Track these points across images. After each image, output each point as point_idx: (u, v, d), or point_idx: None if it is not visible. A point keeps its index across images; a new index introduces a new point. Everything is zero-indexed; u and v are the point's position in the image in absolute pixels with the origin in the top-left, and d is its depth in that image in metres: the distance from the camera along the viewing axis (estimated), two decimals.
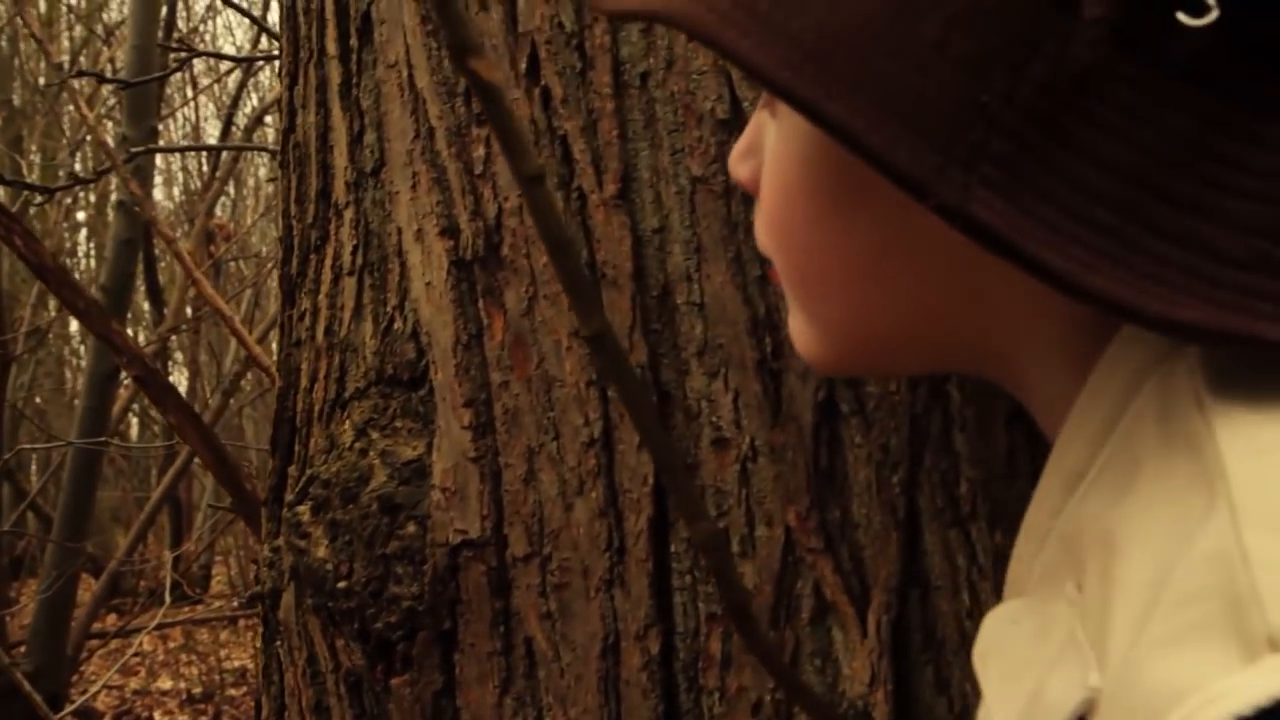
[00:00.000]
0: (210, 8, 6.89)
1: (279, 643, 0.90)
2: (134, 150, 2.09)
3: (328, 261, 0.87)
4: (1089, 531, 0.38)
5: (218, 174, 5.27)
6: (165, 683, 4.65)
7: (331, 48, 0.87)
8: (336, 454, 0.82)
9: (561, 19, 0.73)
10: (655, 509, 0.70)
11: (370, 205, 0.83)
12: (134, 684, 4.59)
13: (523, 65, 0.74)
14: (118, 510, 6.54)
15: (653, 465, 0.70)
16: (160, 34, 3.74)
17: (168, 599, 2.74)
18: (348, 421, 0.83)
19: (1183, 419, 0.35)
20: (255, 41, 5.51)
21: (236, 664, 4.87)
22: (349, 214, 0.85)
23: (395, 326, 0.81)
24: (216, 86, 6.80)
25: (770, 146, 0.47)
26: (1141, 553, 0.35)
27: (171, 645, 5.13)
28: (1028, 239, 0.33)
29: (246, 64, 5.07)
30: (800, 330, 0.51)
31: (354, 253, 0.84)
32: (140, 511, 5.12)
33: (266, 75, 6.88)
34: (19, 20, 6.44)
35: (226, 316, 1.81)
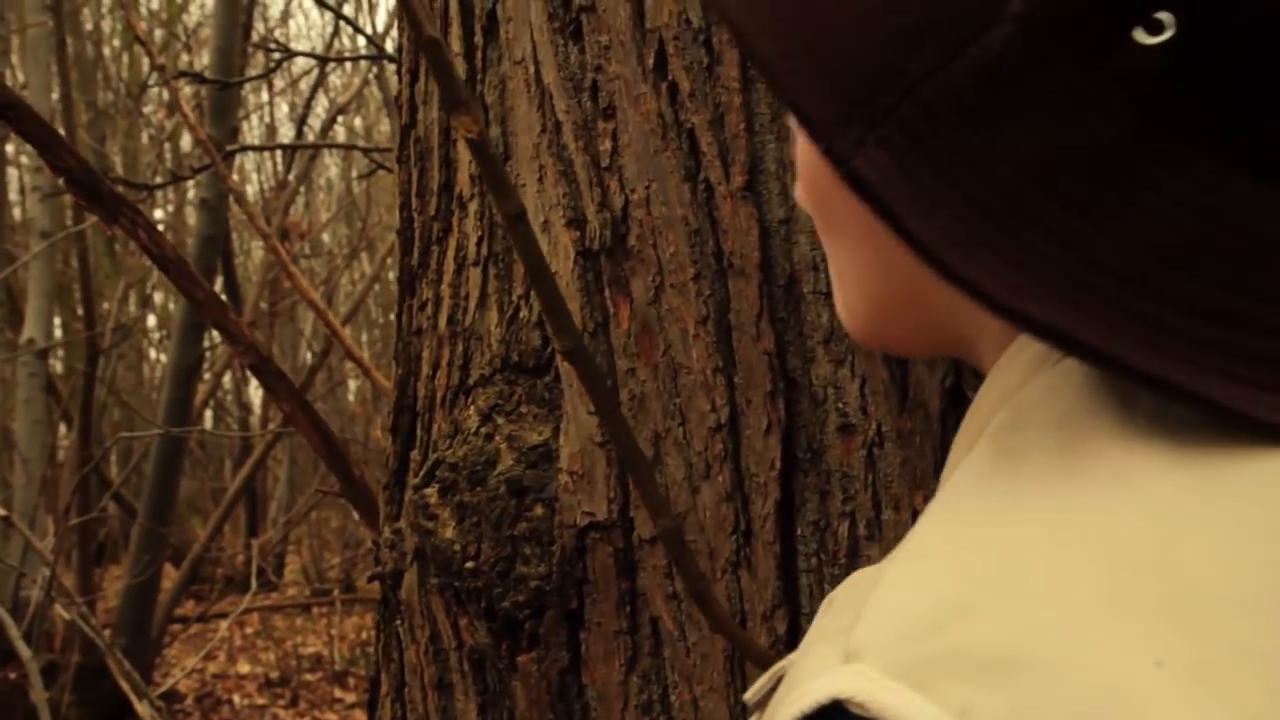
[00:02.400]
0: (285, 13, 7.04)
1: (399, 621, 0.93)
2: (229, 149, 2.16)
3: (450, 253, 0.90)
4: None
5: (292, 174, 5.40)
6: (243, 667, 4.78)
7: (455, 45, 0.90)
8: (462, 438, 0.85)
9: (689, 15, 0.75)
10: (782, 492, 0.71)
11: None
12: (213, 668, 4.73)
13: (650, 61, 0.76)
14: (194, 500, 6.72)
15: (780, 450, 0.71)
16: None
17: (254, 584, 2.82)
18: (472, 407, 0.85)
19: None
20: (329, 45, 5.64)
21: (311, 650, 4.99)
22: (473, 206, 0.87)
23: (520, 315, 0.83)
24: (290, 90, 6.96)
25: None
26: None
27: (248, 631, 5.27)
28: (905, 204, 0.34)
29: (320, 66, 5.19)
30: (836, 296, 0.52)
31: (479, 244, 0.86)
32: (216, 502, 5.26)
33: (337, 78, 7.02)
34: (102, 26, 6.64)
35: (320, 309, 1.86)
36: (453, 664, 0.87)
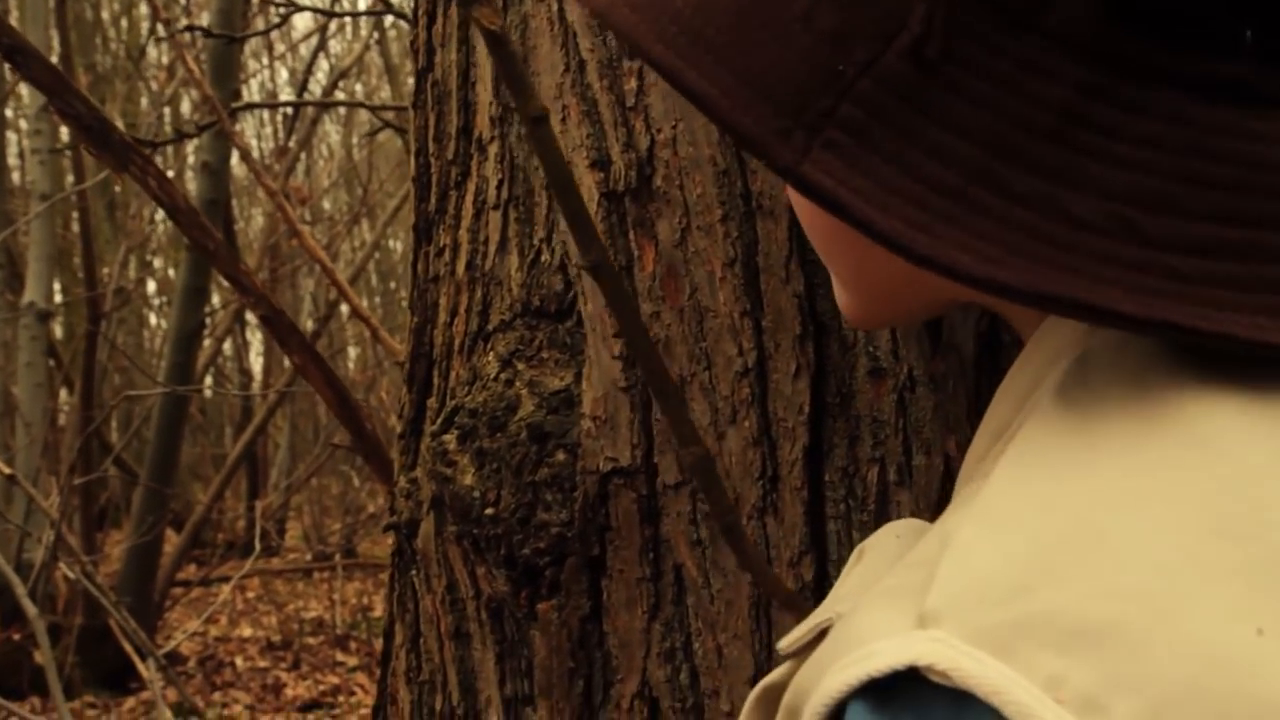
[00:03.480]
0: None
1: (415, 571, 0.92)
2: (235, 106, 2.13)
3: (469, 197, 0.89)
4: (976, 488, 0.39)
5: (294, 138, 5.36)
6: (245, 630, 4.80)
7: None
8: (481, 385, 0.83)
9: None
10: (811, 437, 0.70)
11: (516, 140, 0.84)
12: (215, 631, 4.75)
13: None
14: (195, 467, 6.73)
15: (809, 394, 0.70)
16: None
17: (256, 548, 2.83)
18: (491, 353, 0.84)
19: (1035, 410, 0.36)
20: (332, 2, 5.58)
21: (312, 614, 5.01)
22: (493, 149, 0.86)
23: (542, 259, 0.82)
24: (290, 55, 6.90)
25: None
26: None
27: (250, 595, 5.29)
28: (859, 198, 0.34)
29: (322, 28, 5.14)
30: (836, 295, 0.53)
31: (499, 187, 0.85)
32: (217, 468, 5.26)
33: (337, 43, 6.96)
34: None
35: (327, 266, 1.84)
36: (470, 613, 0.86)
